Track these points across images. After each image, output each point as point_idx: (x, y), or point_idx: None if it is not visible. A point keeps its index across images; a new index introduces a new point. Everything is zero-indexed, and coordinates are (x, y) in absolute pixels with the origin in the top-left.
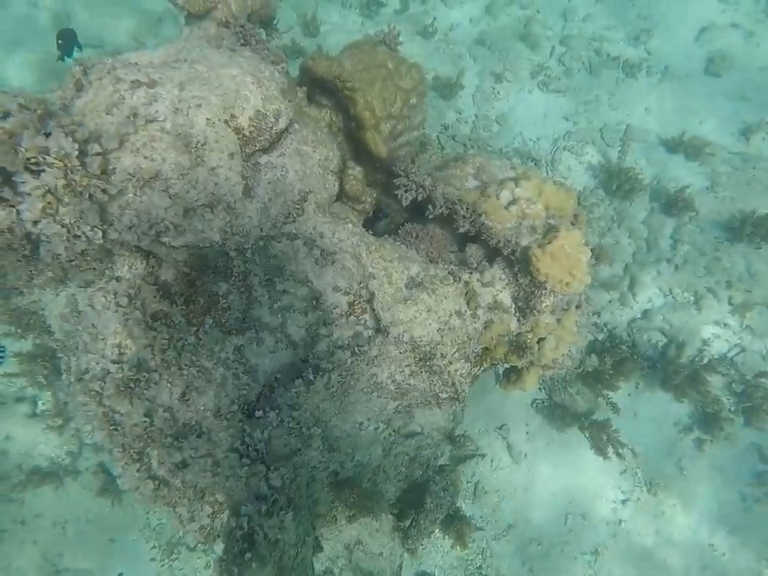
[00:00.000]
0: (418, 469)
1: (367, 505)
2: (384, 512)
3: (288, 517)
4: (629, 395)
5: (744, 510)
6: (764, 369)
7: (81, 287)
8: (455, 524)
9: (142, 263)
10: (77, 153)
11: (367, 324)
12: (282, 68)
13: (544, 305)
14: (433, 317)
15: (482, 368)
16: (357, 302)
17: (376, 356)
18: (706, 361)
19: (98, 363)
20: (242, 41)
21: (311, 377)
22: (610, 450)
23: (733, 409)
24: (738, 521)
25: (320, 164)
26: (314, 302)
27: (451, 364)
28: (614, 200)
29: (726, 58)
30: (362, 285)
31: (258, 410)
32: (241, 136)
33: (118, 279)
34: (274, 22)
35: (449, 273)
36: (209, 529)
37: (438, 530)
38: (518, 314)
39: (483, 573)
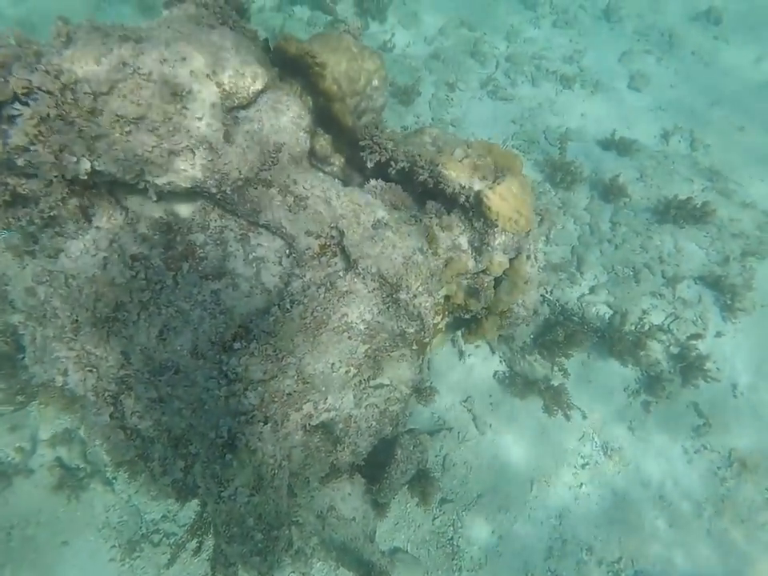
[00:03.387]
0: (388, 425)
1: (339, 453)
2: (357, 462)
3: (266, 429)
4: (582, 364)
5: (687, 462)
6: (695, 332)
7: (50, 257)
8: (421, 483)
9: (121, 214)
10: (60, 88)
11: (338, 265)
12: (257, 45)
13: (497, 242)
14: (398, 252)
15: (444, 318)
16: (328, 244)
17: (346, 292)
18: (646, 328)
19: (70, 315)
20: (221, 20)
21: (288, 305)
22: (561, 413)
23: (671, 371)
24: (682, 472)
25: (293, 121)
26: (287, 252)
27: (416, 297)
28: (559, 190)
29: (644, 76)
30: (332, 225)
31: (236, 343)
32: (221, 90)
33: (97, 228)
34: (245, 14)
35: (411, 216)
36: (181, 484)
37: (406, 491)
38: (474, 254)
39: (455, 543)
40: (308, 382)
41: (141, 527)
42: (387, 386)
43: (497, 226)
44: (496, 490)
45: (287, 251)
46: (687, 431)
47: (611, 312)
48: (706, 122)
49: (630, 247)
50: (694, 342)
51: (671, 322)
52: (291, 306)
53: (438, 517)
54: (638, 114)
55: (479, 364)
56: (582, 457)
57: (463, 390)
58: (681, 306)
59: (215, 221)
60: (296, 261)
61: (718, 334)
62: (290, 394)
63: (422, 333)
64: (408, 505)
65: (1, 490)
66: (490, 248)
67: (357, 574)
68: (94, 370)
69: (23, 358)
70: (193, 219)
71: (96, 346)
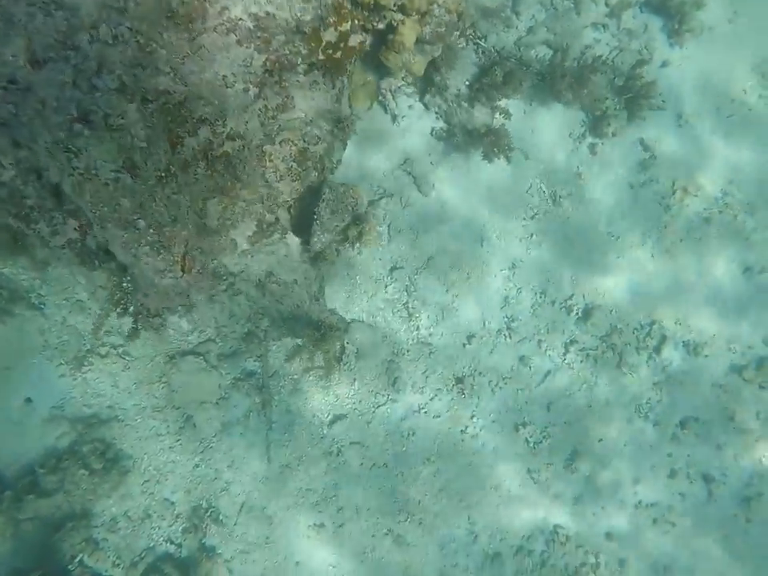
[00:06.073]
0: (312, 168)
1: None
2: (281, 216)
3: (131, 107)
4: (524, 112)
5: (633, 199)
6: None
7: None
8: (358, 225)
9: None
10: None
11: None
12: None
13: None
14: None
15: (353, 25)
16: None
17: None
18: (589, 62)
19: None
20: None
21: None
22: (503, 156)
23: (617, 107)
24: (627, 209)
25: None
26: None
27: None
28: None
29: None
30: None
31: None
32: None
33: None
34: None
35: None
36: (80, 245)
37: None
38: None
39: (409, 307)
40: (190, 86)
41: (84, 344)
42: (301, 118)
43: None
44: (446, 250)
45: None
46: (634, 166)
47: (552, 52)
48: None
49: None
50: (639, 70)
51: (616, 56)
52: None
53: (389, 284)
54: None
55: (414, 124)
56: (531, 208)
57: (400, 153)
58: (626, 37)
59: None
60: None
61: (664, 64)
62: (170, 93)
63: (320, 22)
64: (357, 278)
65: None
66: None
67: (311, 337)
68: None
69: None
70: None
71: None
